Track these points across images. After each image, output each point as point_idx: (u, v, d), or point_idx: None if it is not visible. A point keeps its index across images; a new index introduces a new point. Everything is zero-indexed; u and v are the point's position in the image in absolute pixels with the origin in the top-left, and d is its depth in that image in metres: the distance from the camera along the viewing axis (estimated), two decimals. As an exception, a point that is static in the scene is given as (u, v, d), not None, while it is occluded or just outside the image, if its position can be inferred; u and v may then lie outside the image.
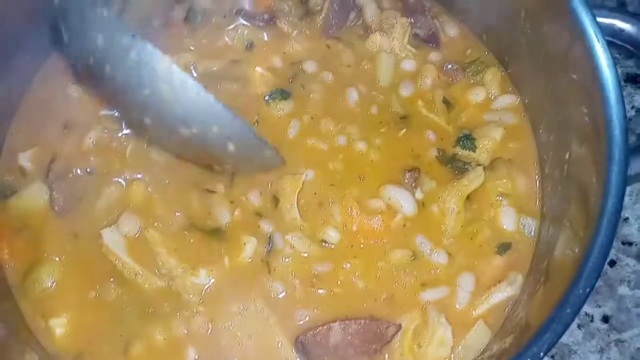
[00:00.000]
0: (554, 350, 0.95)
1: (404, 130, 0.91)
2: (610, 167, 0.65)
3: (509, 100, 0.93)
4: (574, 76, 0.76)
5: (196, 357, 0.77)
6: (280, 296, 0.80)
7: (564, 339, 0.94)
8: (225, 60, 0.96)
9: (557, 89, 0.82)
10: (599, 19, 0.77)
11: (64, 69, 0.92)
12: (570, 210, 0.75)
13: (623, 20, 0.78)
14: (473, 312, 0.80)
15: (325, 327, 0.76)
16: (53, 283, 0.81)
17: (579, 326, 1.00)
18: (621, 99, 0.69)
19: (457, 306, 0.80)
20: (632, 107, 1.21)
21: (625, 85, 1.21)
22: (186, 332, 0.78)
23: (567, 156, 0.76)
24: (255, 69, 0.95)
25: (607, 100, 0.68)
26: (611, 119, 0.67)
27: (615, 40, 0.79)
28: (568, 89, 0.79)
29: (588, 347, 0.98)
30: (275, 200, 0.84)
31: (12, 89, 0.91)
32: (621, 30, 0.78)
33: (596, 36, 0.71)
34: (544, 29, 0.81)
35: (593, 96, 0.71)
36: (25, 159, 0.88)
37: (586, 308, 1.01)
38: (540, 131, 0.88)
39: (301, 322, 0.79)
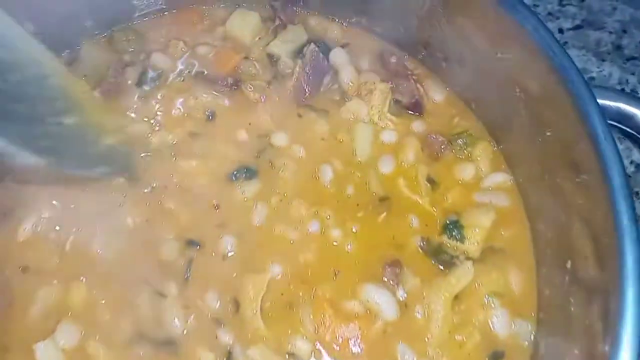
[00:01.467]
0: None
1: (384, 214, 0.81)
2: (624, 297, 0.55)
3: (500, 179, 0.83)
4: (577, 172, 0.67)
5: None
6: None
7: None
8: (183, 133, 0.84)
9: (555, 178, 0.73)
10: (603, 101, 0.68)
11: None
12: (573, 327, 0.66)
13: (630, 104, 0.69)
14: None
15: None
16: (-24, 409, 0.70)
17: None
18: (632, 205, 0.60)
19: None
20: (631, 163, 1.13)
21: (624, 139, 1.13)
22: None
23: (568, 265, 0.67)
24: (217, 143, 0.85)
25: (617, 211, 0.59)
26: (622, 234, 0.58)
27: (622, 127, 0.70)
28: (568, 182, 0.70)
29: None
30: (236, 303, 0.74)
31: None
32: (631, 117, 0.68)
33: (603, 134, 0.61)
34: (540, 111, 0.72)
35: (598, 201, 0.62)
36: (-51, 253, 0.77)
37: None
38: (537, 220, 0.78)
39: None
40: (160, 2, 0.92)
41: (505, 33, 0.70)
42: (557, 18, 1.29)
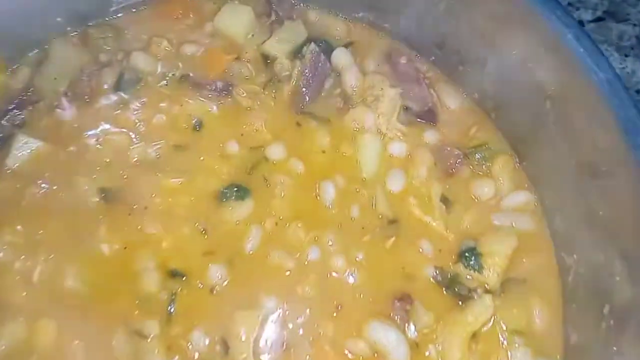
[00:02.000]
0: None
1: (393, 239, 0.72)
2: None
3: (522, 199, 0.74)
4: (618, 198, 0.59)
5: None
6: None
7: None
8: (166, 144, 0.75)
9: (590, 202, 0.64)
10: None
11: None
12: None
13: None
14: None
15: None
16: None
17: None
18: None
19: None
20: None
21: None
22: None
23: (605, 310, 0.59)
24: (204, 157, 0.75)
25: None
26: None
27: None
28: (606, 207, 0.61)
29: None
30: (226, 343, 0.65)
31: None
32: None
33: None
34: (575, 128, 0.63)
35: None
36: None
37: None
38: (566, 250, 0.69)
39: None
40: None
41: (539, 39, 0.60)
42: (577, 9, 1.18)
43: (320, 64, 0.78)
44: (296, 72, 0.78)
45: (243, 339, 0.65)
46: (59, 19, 0.79)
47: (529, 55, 0.65)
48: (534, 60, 0.65)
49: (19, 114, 0.75)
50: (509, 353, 0.67)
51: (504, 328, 0.68)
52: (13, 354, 0.64)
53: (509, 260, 0.71)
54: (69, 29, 0.80)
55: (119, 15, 0.83)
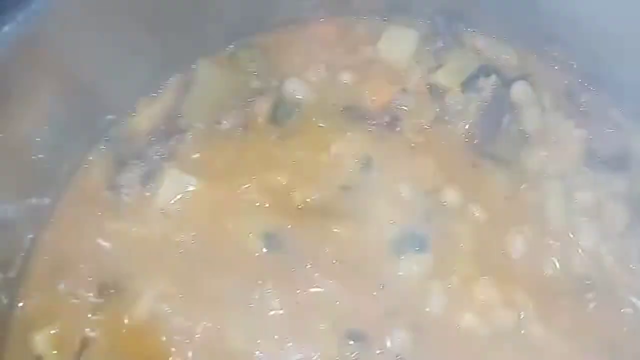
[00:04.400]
0: None
1: (594, 304, 0.64)
2: None
3: None
4: None
5: None
6: None
7: None
8: (332, 186, 0.66)
9: None
10: None
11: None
12: None
13: None
14: None
15: None
16: None
17: None
18: None
19: None
20: None
21: None
22: None
23: None
24: (376, 200, 0.66)
25: None
26: None
27: None
28: None
29: None
30: None
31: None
32: None
33: None
34: None
35: None
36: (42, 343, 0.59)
37: None
38: None
39: None
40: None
41: None
42: None
43: (500, 99, 0.70)
44: (473, 107, 0.70)
45: None
46: (209, 31, 0.69)
47: None
48: None
49: (166, 144, 0.67)
50: None
51: None
52: None
53: None
54: (216, 47, 0.71)
55: (265, 34, 0.74)
